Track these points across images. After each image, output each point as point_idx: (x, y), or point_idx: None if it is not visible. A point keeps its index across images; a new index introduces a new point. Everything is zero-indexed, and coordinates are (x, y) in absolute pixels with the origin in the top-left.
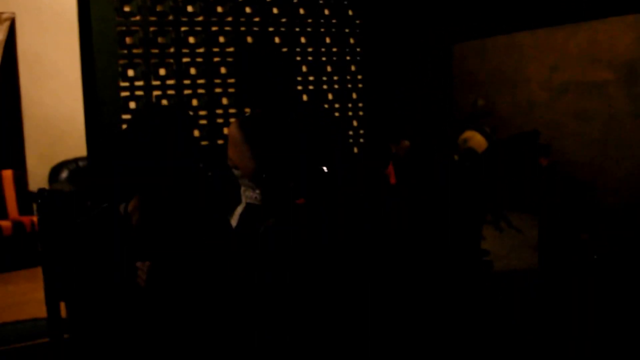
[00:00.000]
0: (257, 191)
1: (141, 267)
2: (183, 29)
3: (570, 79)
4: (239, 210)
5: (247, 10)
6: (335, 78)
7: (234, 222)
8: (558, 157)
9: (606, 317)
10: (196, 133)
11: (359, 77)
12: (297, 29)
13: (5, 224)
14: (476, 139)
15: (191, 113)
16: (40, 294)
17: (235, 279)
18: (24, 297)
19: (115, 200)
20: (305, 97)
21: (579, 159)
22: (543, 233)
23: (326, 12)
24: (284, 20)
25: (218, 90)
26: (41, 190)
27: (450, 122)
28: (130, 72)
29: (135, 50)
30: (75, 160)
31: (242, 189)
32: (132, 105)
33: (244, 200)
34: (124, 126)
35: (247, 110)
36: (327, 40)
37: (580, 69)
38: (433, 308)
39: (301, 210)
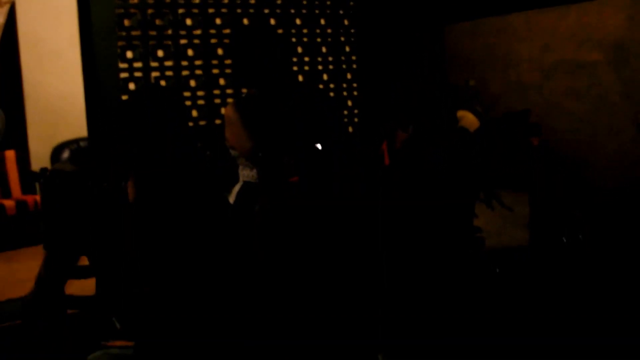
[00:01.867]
0: (254, 170)
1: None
2: (180, 11)
3: (561, 59)
4: (236, 188)
5: None
6: (330, 59)
7: (231, 200)
8: (549, 136)
9: (596, 295)
10: (194, 113)
11: (354, 57)
12: (292, 11)
13: (9, 203)
14: (468, 119)
15: (188, 94)
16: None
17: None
18: (29, 274)
19: (114, 178)
20: (300, 78)
21: (569, 138)
22: (534, 211)
23: None
24: (279, 2)
25: (215, 71)
26: (43, 169)
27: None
28: (129, 54)
29: (133, 32)
30: (77, 141)
31: (240, 168)
32: (131, 86)
33: (241, 179)
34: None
35: (244, 90)
36: (322, 21)
37: (571, 50)
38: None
39: (295, 188)
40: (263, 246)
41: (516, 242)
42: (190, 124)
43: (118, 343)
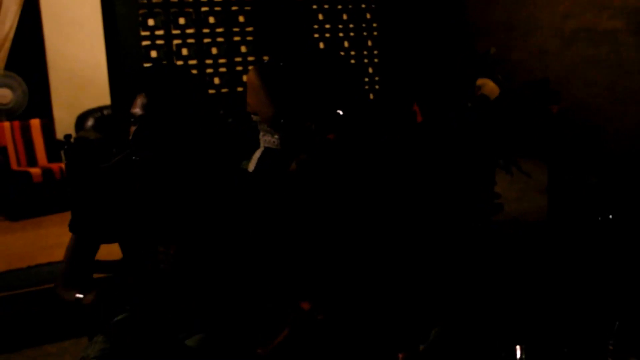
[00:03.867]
0: (276, 136)
1: (163, 251)
2: None
3: (582, 27)
4: (257, 154)
5: None
6: (351, 26)
7: (251, 165)
8: (568, 104)
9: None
10: (216, 80)
11: (374, 24)
12: None
13: (35, 171)
14: (488, 86)
15: (210, 61)
16: (69, 238)
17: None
18: (56, 240)
19: (137, 146)
20: (321, 45)
21: (588, 105)
22: (552, 178)
23: None
24: None
25: (237, 38)
26: (67, 136)
27: (466, 68)
28: (151, 22)
29: (155, 0)
30: (100, 109)
31: (261, 134)
32: (153, 54)
33: (262, 144)
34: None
35: (265, 58)
36: None
37: (592, 16)
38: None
39: (331, 145)
40: (296, 205)
41: (535, 208)
42: (212, 91)
43: None
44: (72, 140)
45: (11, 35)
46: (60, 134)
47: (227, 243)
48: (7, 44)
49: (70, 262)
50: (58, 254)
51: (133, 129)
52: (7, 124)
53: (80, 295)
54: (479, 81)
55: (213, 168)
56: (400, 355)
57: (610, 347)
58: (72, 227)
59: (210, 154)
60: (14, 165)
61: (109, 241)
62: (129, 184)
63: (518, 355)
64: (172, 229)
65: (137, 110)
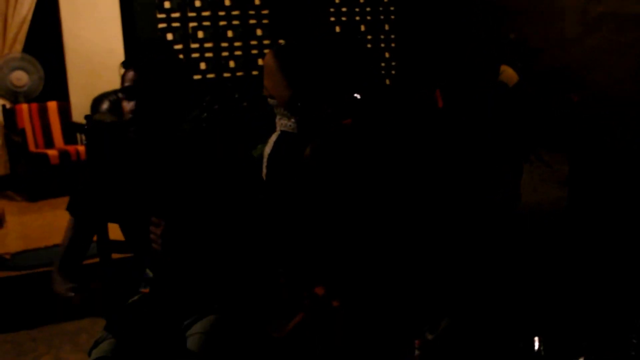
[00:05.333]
0: (292, 120)
1: (154, 231)
2: None
3: (606, 12)
4: (273, 138)
5: None
6: (368, 10)
7: (267, 149)
8: (590, 92)
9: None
10: (231, 64)
11: (391, 8)
12: None
13: (52, 152)
14: (508, 73)
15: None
16: None
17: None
18: None
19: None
20: (338, 29)
21: (610, 94)
22: (573, 168)
23: None
24: None
25: (252, 21)
26: (88, 116)
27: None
28: (167, 4)
29: None
30: (115, 92)
31: (277, 117)
32: (169, 36)
33: (278, 128)
34: None
35: (281, 41)
36: None
37: (617, 1)
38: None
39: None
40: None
41: (551, 198)
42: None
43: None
44: (92, 119)
45: (29, 18)
46: (76, 117)
47: (215, 222)
48: (25, 27)
49: (67, 245)
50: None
51: (126, 104)
52: (25, 106)
53: (72, 294)
54: None
55: (210, 148)
56: (417, 342)
57: (634, 342)
58: (71, 209)
59: (207, 135)
60: (32, 147)
61: (108, 221)
62: (127, 161)
63: (536, 347)
64: (163, 208)
65: (128, 84)
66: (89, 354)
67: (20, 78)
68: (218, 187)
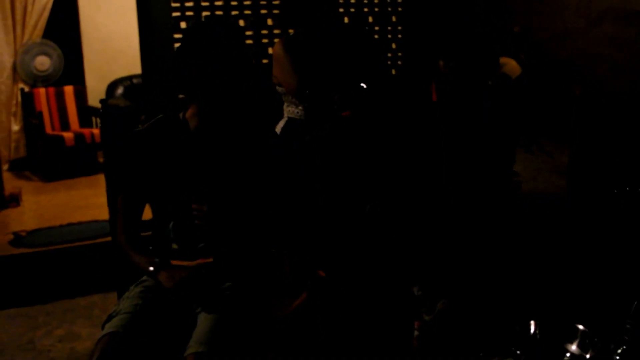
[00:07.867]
0: (300, 107)
1: (198, 208)
2: None
3: (610, 7)
4: (281, 124)
5: None
6: (376, 1)
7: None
8: (591, 85)
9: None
10: None
11: (399, 0)
12: None
13: (68, 135)
14: (510, 65)
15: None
16: (99, 199)
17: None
18: (86, 201)
19: (171, 109)
20: (346, 20)
21: (612, 87)
22: (573, 158)
23: None
24: None
25: (263, 11)
26: (103, 100)
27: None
28: None
29: None
30: (130, 78)
31: (285, 104)
32: (183, 25)
33: (285, 115)
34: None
35: (291, 31)
36: None
37: None
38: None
39: (347, 122)
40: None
41: (551, 188)
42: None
43: (176, 262)
44: (107, 102)
45: (49, 6)
46: (91, 101)
47: (255, 203)
48: (46, 14)
49: (124, 222)
50: (88, 214)
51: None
52: (42, 90)
53: (151, 268)
54: (501, 60)
55: (250, 130)
56: (416, 324)
57: (628, 327)
58: (118, 188)
59: (249, 116)
60: (49, 130)
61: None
62: (161, 145)
63: (532, 331)
64: (208, 186)
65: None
66: (102, 328)
67: (43, 63)
68: (263, 167)
